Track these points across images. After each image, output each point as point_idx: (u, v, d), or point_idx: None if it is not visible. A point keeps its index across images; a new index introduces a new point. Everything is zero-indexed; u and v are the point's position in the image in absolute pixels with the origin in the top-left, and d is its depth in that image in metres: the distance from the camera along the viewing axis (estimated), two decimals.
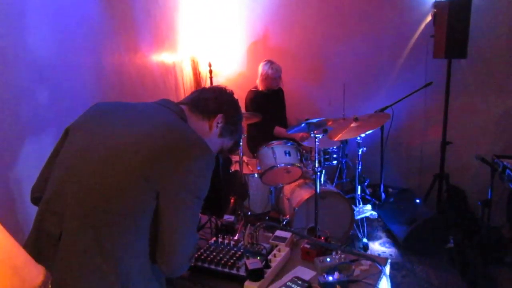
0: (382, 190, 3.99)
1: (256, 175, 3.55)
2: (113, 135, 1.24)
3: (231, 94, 1.57)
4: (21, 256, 0.64)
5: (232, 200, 3.83)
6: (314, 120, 3.10)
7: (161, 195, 1.17)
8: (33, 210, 1.31)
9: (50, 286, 0.68)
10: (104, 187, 1.16)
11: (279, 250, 1.68)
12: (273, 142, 3.38)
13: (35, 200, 1.35)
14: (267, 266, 1.55)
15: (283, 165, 3.28)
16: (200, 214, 2.02)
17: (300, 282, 1.47)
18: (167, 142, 1.21)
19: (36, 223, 1.25)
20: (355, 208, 3.51)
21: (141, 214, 1.17)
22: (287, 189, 3.59)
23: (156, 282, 1.27)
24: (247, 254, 1.63)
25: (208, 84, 4.67)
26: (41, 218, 1.24)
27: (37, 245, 1.21)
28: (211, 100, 1.49)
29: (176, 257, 1.19)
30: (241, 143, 3.30)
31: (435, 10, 3.82)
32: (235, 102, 1.56)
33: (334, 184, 4.00)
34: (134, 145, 1.20)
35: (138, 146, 1.20)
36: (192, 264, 1.63)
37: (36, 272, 0.67)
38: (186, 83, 4.55)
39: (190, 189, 1.20)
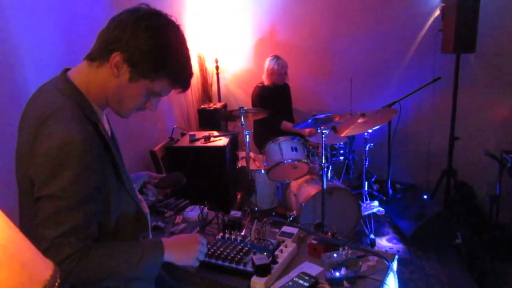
0: (389, 186, 3.97)
1: (263, 171, 3.55)
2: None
3: (136, 12, 1.11)
4: (29, 250, 0.65)
5: (239, 196, 3.84)
6: (321, 116, 3.09)
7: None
8: None
9: (58, 281, 0.68)
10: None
11: (286, 246, 1.68)
12: (280, 137, 3.38)
13: None
14: (274, 261, 1.55)
15: (290, 161, 3.28)
16: (207, 210, 2.04)
17: (307, 278, 1.47)
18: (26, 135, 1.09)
19: None
20: (362, 204, 3.50)
21: None
22: (294, 185, 3.59)
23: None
24: (254, 250, 1.63)
25: (215, 81, 4.67)
26: None
27: None
28: (104, 33, 1.12)
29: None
30: (247, 139, 3.29)
31: (444, 4, 3.78)
32: (140, 23, 1.09)
33: (341, 180, 3.99)
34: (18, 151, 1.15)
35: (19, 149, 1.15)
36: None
37: (45, 267, 0.67)
38: (192, 79, 4.55)
39: (41, 182, 1.03)
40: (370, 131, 3.44)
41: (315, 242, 1.69)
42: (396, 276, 1.54)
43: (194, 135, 3.49)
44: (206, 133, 3.55)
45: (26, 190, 1.09)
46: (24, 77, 2.04)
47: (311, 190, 3.29)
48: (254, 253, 1.59)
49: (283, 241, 1.72)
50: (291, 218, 3.39)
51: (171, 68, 1.16)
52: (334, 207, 3.27)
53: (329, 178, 3.43)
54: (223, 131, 3.85)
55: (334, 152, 3.60)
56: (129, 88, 1.15)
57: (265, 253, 1.56)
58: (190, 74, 1.24)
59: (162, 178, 1.74)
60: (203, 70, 4.68)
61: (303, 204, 3.23)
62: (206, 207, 2.05)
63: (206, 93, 4.79)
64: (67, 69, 1.21)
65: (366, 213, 3.54)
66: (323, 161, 3.06)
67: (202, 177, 3.28)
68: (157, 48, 1.11)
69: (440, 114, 4.07)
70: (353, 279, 1.48)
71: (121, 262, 1.15)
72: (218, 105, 4.35)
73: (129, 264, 1.16)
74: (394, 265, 1.60)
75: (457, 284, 2.92)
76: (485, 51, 3.71)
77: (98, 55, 1.13)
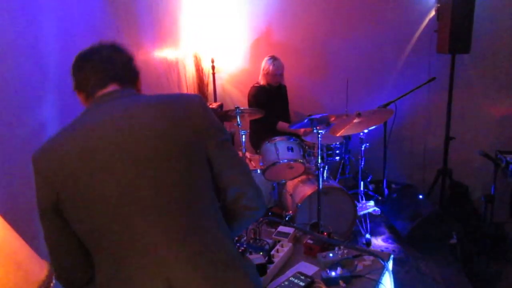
0: (385, 185, 3.98)
1: (259, 171, 3.55)
2: (134, 156, 1.09)
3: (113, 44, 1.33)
4: (24, 251, 0.65)
5: None
6: (317, 116, 3.10)
7: (209, 155, 1.20)
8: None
9: (54, 281, 0.68)
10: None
11: (282, 246, 1.68)
12: (276, 137, 3.38)
13: None
14: (270, 261, 1.55)
15: (286, 161, 3.28)
16: None
17: (303, 278, 1.47)
18: (170, 115, 1.16)
19: None
20: (358, 204, 3.51)
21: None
22: (290, 185, 3.59)
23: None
24: (250, 250, 1.63)
25: (211, 81, 4.67)
26: None
27: None
28: (127, 62, 1.30)
29: (258, 194, 1.34)
30: (243, 139, 3.30)
31: (439, 5, 3.80)
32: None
33: (337, 180, 3.99)
34: (155, 148, 1.10)
35: (157, 145, 1.11)
36: None
37: (40, 267, 0.67)
38: (189, 80, 4.55)
39: (218, 130, 1.23)
40: (366, 131, 3.45)
41: (311, 242, 1.70)
42: (391, 276, 1.55)
43: None
44: None
45: (202, 172, 1.19)
46: (20, 78, 2.03)
47: (307, 190, 3.29)
48: (250, 253, 1.60)
49: (279, 241, 1.72)
50: (287, 218, 3.39)
51: None
52: (330, 207, 3.28)
53: (325, 178, 3.43)
54: None
55: (330, 152, 3.60)
56: None
57: (261, 253, 1.57)
58: None
59: None
60: (199, 70, 4.68)
61: (299, 204, 3.23)
62: None
63: (202, 93, 4.78)
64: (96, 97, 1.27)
65: (362, 213, 3.55)
66: (319, 161, 3.07)
67: None
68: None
69: (436, 114, 4.09)
70: (349, 279, 1.49)
71: None
72: (214, 105, 4.34)
73: None
74: (390, 264, 1.61)
75: (452, 284, 2.93)
76: (480, 52, 3.73)
77: (131, 80, 1.31)
